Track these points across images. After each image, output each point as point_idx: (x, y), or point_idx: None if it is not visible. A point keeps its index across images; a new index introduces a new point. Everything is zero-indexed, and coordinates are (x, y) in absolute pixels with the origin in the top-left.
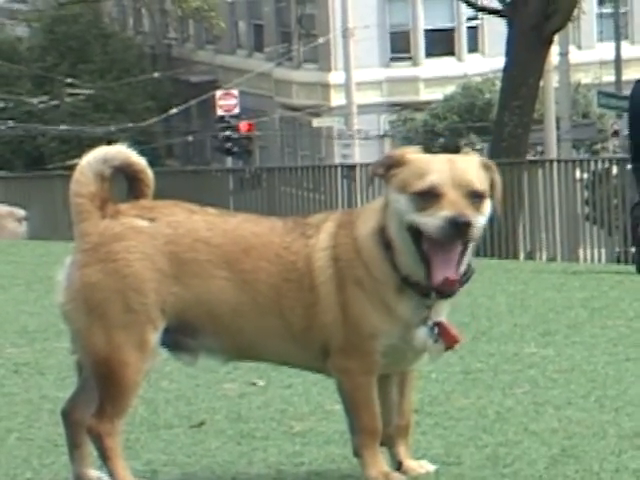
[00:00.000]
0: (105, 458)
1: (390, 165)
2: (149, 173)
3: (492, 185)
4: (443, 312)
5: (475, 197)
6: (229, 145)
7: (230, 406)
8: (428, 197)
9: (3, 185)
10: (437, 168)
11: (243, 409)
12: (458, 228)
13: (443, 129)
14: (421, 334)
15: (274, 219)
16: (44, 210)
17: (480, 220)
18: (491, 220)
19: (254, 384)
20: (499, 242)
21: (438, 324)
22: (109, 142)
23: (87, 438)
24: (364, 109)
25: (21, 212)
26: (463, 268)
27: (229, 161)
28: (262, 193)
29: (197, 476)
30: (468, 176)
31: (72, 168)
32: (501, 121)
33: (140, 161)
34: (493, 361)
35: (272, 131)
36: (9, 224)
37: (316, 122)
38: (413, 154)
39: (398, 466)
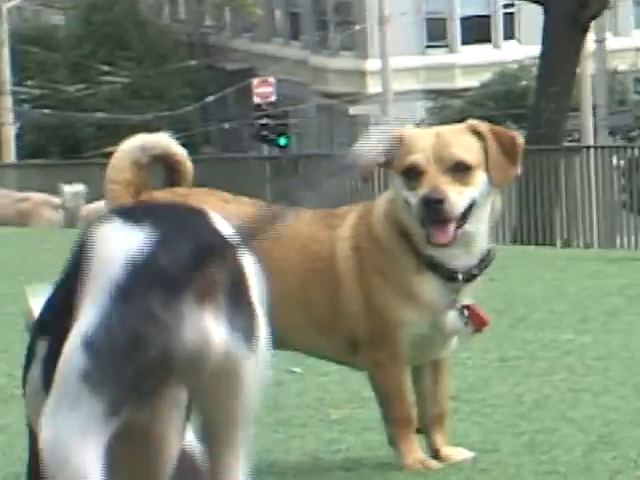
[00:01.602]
0: None
1: (387, 149)
2: (188, 164)
3: (486, 153)
4: (469, 296)
5: (461, 169)
6: (265, 133)
7: (267, 394)
8: (413, 175)
9: (39, 173)
10: (421, 145)
11: (280, 396)
12: (430, 206)
13: (480, 116)
14: (451, 318)
15: (305, 210)
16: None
17: (468, 193)
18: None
19: (291, 371)
20: (536, 229)
21: (467, 307)
22: (150, 130)
23: None
24: (400, 96)
25: (57, 200)
26: (452, 233)
27: (265, 149)
28: (298, 181)
29: None
30: (452, 148)
31: (108, 155)
32: (538, 108)
33: (180, 151)
34: (530, 348)
35: (308, 119)
36: (45, 212)
37: (352, 109)
38: (407, 132)
39: (435, 454)
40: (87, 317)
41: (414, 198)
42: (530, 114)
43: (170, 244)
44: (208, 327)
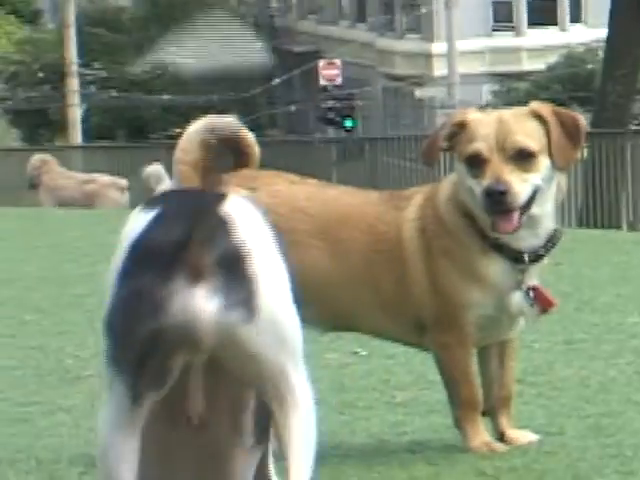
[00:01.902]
0: None
1: (452, 133)
2: (256, 147)
3: (548, 136)
4: (535, 277)
5: (524, 156)
6: (331, 115)
7: (332, 376)
8: (476, 163)
9: (106, 155)
10: (483, 132)
11: (346, 379)
12: (493, 198)
13: (545, 99)
14: (517, 299)
15: (372, 191)
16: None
17: (531, 180)
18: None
19: (356, 354)
20: (602, 212)
21: (533, 288)
22: (216, 112)
23: None
24: (466, 79)
25: (123, 182)
26: (517, 222)
27: (331, 131)
28: (365, 164)
29: None
30: (514, 136)
31: (174, 137)
32: (604, 91)
33: (248, 134)
34: (596, 331)
35: (374, 101)
36: (112, 194)
37: (418, 92)
38: (470, 116)
39: (500, 436)
40: (106, 301)
41: (477, 187)
42: (596, 97)
43: (166, 225)
44: (197, 302)
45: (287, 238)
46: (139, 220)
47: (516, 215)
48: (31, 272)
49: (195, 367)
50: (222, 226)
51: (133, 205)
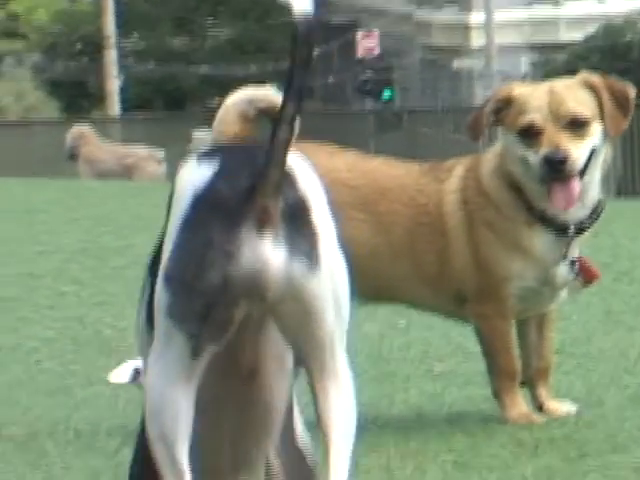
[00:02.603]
0: None
1: (498, 108)
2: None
3: (600, 105)
4: (577, 249)
5: (578, 125)
6: (369, 86)
7: (371, 346)
8: (531, 134)
9: (144, 126)
10: (536, 103)
11: (384, 350)
12: (553, 166)
13: (584, 70)
14: (562, 271)
15: (412, 163)
16: (184, 151)
17: (587, 145)
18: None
19: (395, 325)
20: None
21: (577, 260)
22: (254, 83)
23: None
24: (504, 50)
25: (160, 154)
26: (578, 190)
27: (369, 103)
28: (402, 135)
29: None
30: (568, 104)
31: (213, 108)
32: None
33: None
34: (635, 302)
35: (412, 72)
36: (149, 166)
37: (456, 63)
38: (517, 90)
39: (539, 407)
40: (166, 254)
41: (534, 157)
42: (634, 68)
43: (231, 177)
44: (266, 251)
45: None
46: (199, 172)
47: (577, 183)
48: (70, 244)
49: (253, 319)
50: (285, 178)
51: (170, 177)
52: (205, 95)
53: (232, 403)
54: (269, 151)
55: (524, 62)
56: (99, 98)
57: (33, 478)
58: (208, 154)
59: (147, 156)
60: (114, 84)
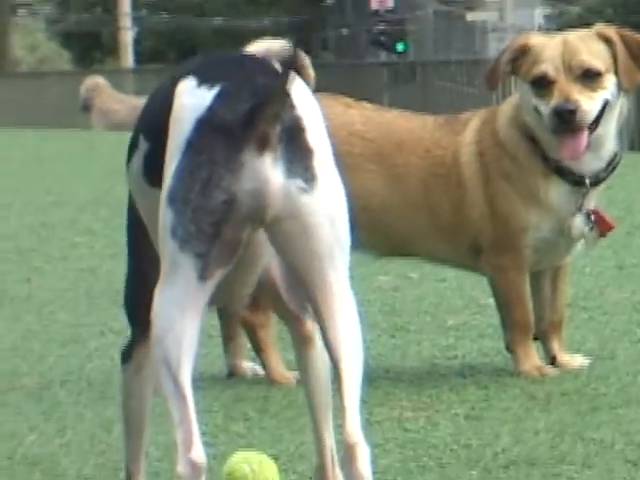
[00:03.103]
0: (258, 349)
1: (514, 58)
2: (311, 70)
3: (615, 58)
4: (593, 201)
5: (590, 76)
6: (383, 39)
7: (384, 299)
8: (543, 84)
9: (157, 78)
10: (549, 54)
11: (397, 302)
12: (562, 117)
13: (599, 23)
14: (578, 222)
15: (428, 116)
16: None
17: (600, 96)
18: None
19: (408, 277)
20: None
21: (593, 211)
22: (267, 35)
23: (241, 330)
24: (518, 3)
25: None
26: (585, 143)
27: (383, 55)
28: (416, 87)
29: None
30: (581, 55)
31: None
32: None
33: (304, 57)
34: None
35: (426, 25)
36: None
37: (470, 16)
38: (533, 40)
39: (552, 360)
40: (169, 177)
41: (545, 108)
42: None
43: (232, 100)
44: (267, 170)
45: (343, 162)
46: (200, 96)
47: (584, 135)
48: (82, 194)
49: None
50: (284, 100)
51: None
52: (218, 47)
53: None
54: (274, 85)
55: (537, 15)
56: (112, 50)
57: (46, 428)
58: (207, 76)
59: None
60: (127, 36)
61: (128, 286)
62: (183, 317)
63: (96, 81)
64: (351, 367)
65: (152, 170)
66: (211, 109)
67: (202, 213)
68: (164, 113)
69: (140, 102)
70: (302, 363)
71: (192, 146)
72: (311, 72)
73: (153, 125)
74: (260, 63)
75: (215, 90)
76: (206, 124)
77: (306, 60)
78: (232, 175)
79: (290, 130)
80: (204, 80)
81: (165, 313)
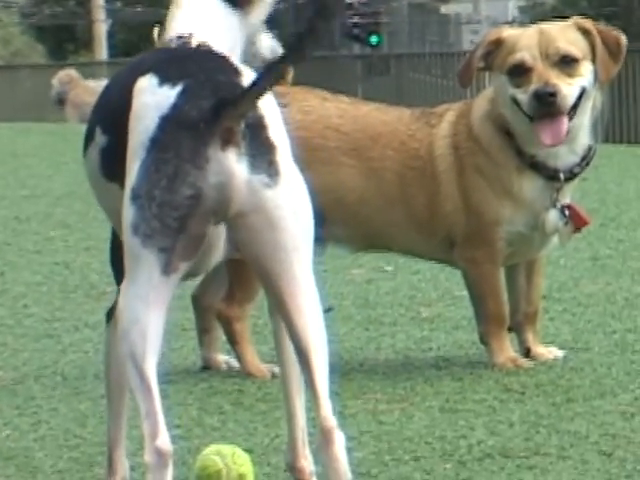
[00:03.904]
0: (233, 342)
1: (487, 52)
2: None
3: (593, 48)
4: (568, 195)
5: (568, 62)
6: (357, 31)
7: (358, 292)
8: (520, 73)
9: None
10: (525, 43)
11: (371, 295)
12: (542, 100)
13: (572, 15)
14: (552, 217)
15: (404, 109)
16: None
17: (577, 82)
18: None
19: (382, 269)
20: (628, 128)
21: (568, 206)
22: None
23: (216, 323)
24: None
25: None
26: (566, 128)
27: (357, 48)
28: (390, 80)
29: None
30: (558, 43)
31: None
32: (630, 7)
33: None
34: (622, 247)
35: (400, 17)
36: None
37: (444, 8)
38: (505, 32)
39: (526, 352)
40: (132, 174)
41: (523, 95)
42: (622, 13)
43: (195, 97)
44: (231, 165)
45: (319, 155)
46: (163, 94)
47: (565, 121)
48: (57, 188)
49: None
50: (254, 102)
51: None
52: None
53: None
54: (246, 89)
55: (512, 7)
56: (86, 43)
57: (20, 422)
58: (168, 74)
59: None
60: (101, 28)
61: (112, 247)
62: (147, 312)
63: (69, 74)
64: (320, 357)
65: (109, 164)
66: (175, 107)
67: (168, 208)
68: (122, 109)
69: None
70: (280, 335)
71: (157, 143)
72: (290, 69)
73: (111, 120)
74: (218, 59)
75: (178, 88)
76: (171, 121)
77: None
78: (198, 170)
79: (253, 127)
80: (165, 78)
81: (130, 308)
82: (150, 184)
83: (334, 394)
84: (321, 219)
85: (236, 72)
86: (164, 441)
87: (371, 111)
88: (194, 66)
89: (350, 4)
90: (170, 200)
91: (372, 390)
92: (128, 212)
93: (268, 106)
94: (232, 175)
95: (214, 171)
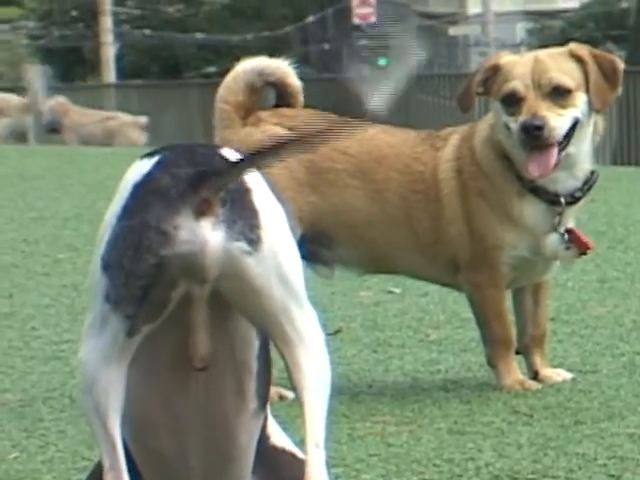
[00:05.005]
0: None
1: (485, 78)
2: (301, 96)
3: (586, 77)
4: (571, 219)
5: (560, 93)
6: (365, 54)
7: (366, 314)
8: (513, 102)
9: (139, 93)
10: (519, 72)
11: (379, 317)
12: (529, 132)
13: (580, 37)
14: (552, 241)
15: (410, 131)
16: (178, 118)
17: (569, 114)
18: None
19: (390, 292)
20: (636, 150)
21: (569, 231)
22: (249, 50)
23: None
24: (501, 17)
25: (143, 120)
26: (555, 159)
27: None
28: (399, 101)
29: (333, 384)
30: (551, 73)
31: (208, 76)
32: (638, 28)
33: (296, 83)
34: (630, 269)
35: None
36: (131, 132)
37: (452, 30)
38: (503, 59)
39: (534, 375)
40: (103, 242)
41: (514, 124)
42: (630, 35)
43: (171, 169)
44: (204, 233)
45: (326, 178)
46: (140, 166)
47: (553, 152)
48: (65, 210)
49: (197, 302)
50: (228, 170)
51: (152, 144)
52: (201, 63)
53: (191, 410)
54: (233, 162)
55: (520, 29)
56: (94, 66)
57: (28, 444)
58: (152, 152)
59: (130, 122)
60: (109, 51)
61: None
62: (108, 369)
63: (59, 101)
64: (317, 412)
65: None
66: (149, 174)
67: (133, 277)
68: None
69: (106, 114)
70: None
71: (126, 210)
72: (301, 98)
73: None
74: (205, 146)
75: (155, 159)
76: (141, 188)
77: (297, 84)
78: (163, 238)
79: (234, 192)
80: (148, 155)
81: (93, 364)
82: (117, 251)
83: (342, 416)
84: (330, 241)
85: (216, 146)
86: None
87: (377, 133)
88: (179, 145)
89: (358, 26)
90: (135, 269)
91: (380, 412)
92: (100, 280)
93: (253, 179)
94: (205, 244)
95: (183, 239)
